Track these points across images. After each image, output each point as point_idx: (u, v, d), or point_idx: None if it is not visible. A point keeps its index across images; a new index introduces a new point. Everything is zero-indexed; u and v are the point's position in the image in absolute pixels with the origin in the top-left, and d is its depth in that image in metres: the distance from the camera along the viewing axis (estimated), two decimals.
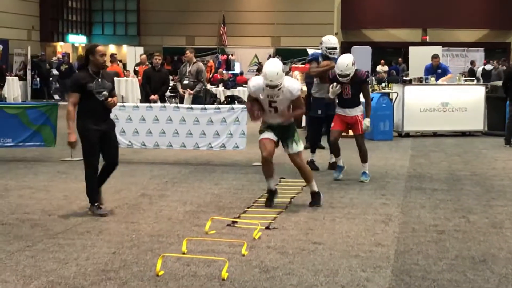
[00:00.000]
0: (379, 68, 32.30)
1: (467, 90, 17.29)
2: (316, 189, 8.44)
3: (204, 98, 15.22)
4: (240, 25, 39.42)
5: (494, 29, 38.05)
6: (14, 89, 26.97)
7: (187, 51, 14.62)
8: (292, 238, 6.80)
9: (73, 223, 7.39)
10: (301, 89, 8.37)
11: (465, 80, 18.18)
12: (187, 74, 14.44)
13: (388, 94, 17.48)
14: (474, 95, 17.19)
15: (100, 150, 7.81)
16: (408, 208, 8.30)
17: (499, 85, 16.60)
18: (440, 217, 7.85)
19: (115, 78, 8.71)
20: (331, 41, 11.00)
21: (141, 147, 12.19)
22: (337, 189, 9.50)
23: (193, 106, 12.34)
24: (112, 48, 38.10)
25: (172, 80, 20.78)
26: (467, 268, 5.87)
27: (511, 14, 37.13)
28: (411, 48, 26.83)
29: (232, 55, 37.78)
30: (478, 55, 34.09)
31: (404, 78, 19.37)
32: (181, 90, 14.64)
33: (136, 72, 23.10)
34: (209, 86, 22.89)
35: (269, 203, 8.33)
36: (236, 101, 22.69)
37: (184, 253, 6.16)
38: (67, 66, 30.06)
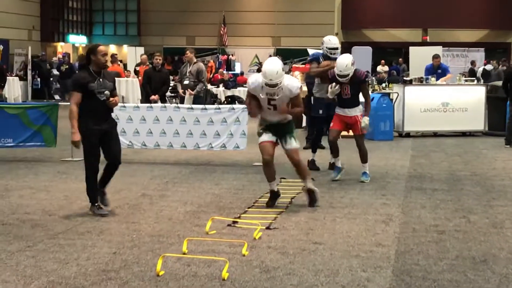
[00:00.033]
0: (379, 68, 32.31)
1: (467, 90, 17.29)
2: (312, 186, 8.44)
3: (204, 98, 15.22)
4: (240, 25, 39.43)
5: (495, 29, 38.04)
6: (14, 89, 26.98)
7: (187, 51, 14.63)
8: (292, 238, 6.80)
9: (74, 223, 7.39)
10: (301, 87, 8.35)
11: (466, 80, 18.18)
12: (188, 74, 14.46)
13: (388, 94, 17.48)
14: (475, 95, 17.19)
15: (102, 149, 7.81)
16: (408, 208, 8.31)
17: (499, 85, 16.60)
18: (441, 217, 7.85)
19: (116, 78, 8.70)
20: (332, 41, 11.00)
21: (142, 147, 12.19)
22: (337, 189, 9.50)
23: (194, 106, 12.34)
24: (112, 48, 38.10)
25: (173, 80, 20.79)
26: (468, 268, 5.87)
27: (511, 14, 37.12)
28: (411, 48, 26.84)
29: (232, 55, 37.78)
30: (479, 55, 34.09)
31: (405, 78, 19.37)
32: (180, 91, 14.65)
33: (136, 72, 23.11)
34: (209, 86, 22.90)
35: (270, 203, 8.33)
36: (236, 101, 22.70)
37: (184, 253, 6.16)
38: (67, 66, 30.10)
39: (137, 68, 22.84)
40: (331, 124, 10.31)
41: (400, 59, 35.37)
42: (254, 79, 8.22)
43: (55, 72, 30.66)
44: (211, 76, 28.17)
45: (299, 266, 5.87)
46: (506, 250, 6.48)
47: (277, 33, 39.63)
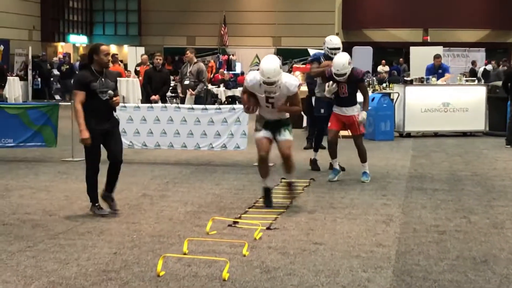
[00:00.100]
0: (380, 68, 32.32)
1: (468, 90, 17.29)
2: (292, 180, 8.49)
3: (205, 98, 15.22)
4: (241, 25, 39.44)
5: (495, 29, 38.05)
6: (15, 89, 26.98)
7: (188, 51, 14.64)
8: (293, 239, 6.80)
9: (74, 224, 7.39)
10: (299, 85, 8.33)
11: (466, 80, 18.18)
12: (188, 74, 14.46)
13: (389, 94, 17.49)
14: (475, 95, 17.19)
15: (105, 148, 7.80)
16: (409, 209, 8.30)
17: (500, 85, 16.60)
18: (441, 217, 7.85)
19: (117, 78, 8.70)
20: (333, 41, 10.99)
21: (142, 148, 12.19)
22: (338, 190, 9.50)
23: (194, 106, 12.34)
24: (113, 48, 38.09)
25: (173, 80, 20.78)
26: (468, 269, 5.87)
27: None
28: (412, 48, 26.85)
29: (233, 55, 37.79)
30: (479, 55, 34.08)
31: (405, 78, 19.37)
32: (180, 93, 14.66)
33: (137, 72, 23.11)
34: (210, 87, 22.90)
35: (268, 202, 8.32)
36: (237, 101, 22.68)
37: (185, 254, 6.16)
38: (68, 66, 30.09)
39: (138, 68, 22.83)
40: (329, 124, 10.31)
41: (401, 59, 35.39)
42: (252, 76, 8.18)
43: (55, 72, 30.66)
44: (211, 76, 28.16)
45: (300, 267, 5.87)
46: (506, 250, 6.48)
47: (278, 33, 39.64)
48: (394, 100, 16.96)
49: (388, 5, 38.32)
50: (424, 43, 35.53)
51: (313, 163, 11.27)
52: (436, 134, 17.08)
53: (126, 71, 27.04)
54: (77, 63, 33.08)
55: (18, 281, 5.44)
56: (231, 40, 39.31)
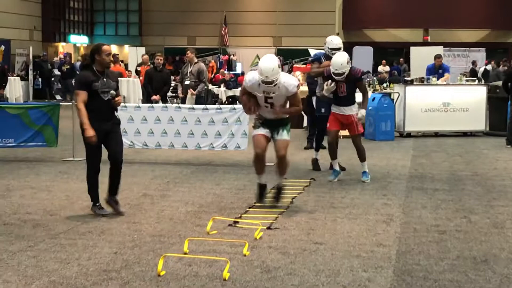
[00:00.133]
0: (380, 68, 32.31)
1: (468, 90, 17.29)
2: (282, 184, 8.44)
3: (205, 98, 15.23)
4: (241, 25, 39.44)
5: (496, 29, 38.04)
6: (16, 89, 26.98)
7: (188, 52, 14.65)
8: (293, 238, 6.81)
9: (75, 223, 7.40)
10: (298, 85, 8.32)
11: (467, 80, 18.19)
12: (189, 74, 14.48)
13: (389, 94, 17.49)
14: (476, 95, 17.19)
15: (106, 148, 7.80)
16: (409, 208, 8.31)
17: (500, 85, 16.61)
18: (442, 217, 7.85)
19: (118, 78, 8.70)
20: (334, 41, 10.99)
21: (143, 147, 12.20)
22: (338, 189, 9.51)
23: (195, 106, 12.35)
24: (114, 49, 38.08)
25: (174, 80, 20.78)
26: (469, 268, 5.88)
27: None
28: (412, 48, 26.86)
29: (233, 55, 37.78)
30: (480, 55, 34.07)
31: (406, 78, 19.37)
32: (180, 93, 14.67)
33: (138, 72, 23.12)
34: (210, 87, 22.90)
35: (260, 199, 8.32)
36: (237, 102, 22.67)
37: (185, 253, 6.17)
38: (68, 67, 30.10)
39: (139, 68, 22.84)
40: (328, 125, 10.32)
41: (401, 59, 35.38)
42: (251, 76, 8.17)
43: (56, 72, 30.66)
44: (212, 76, 28.17)
45: (300, 266, 5.87)
46: (507, 250, 6.49)
47: (278, 33, 39.64)
48: (395, 100, 16.96)
49: (389, 5, 38.31)
50: (425, 43, 35.52)
51: (314, 163, 11.28)
52: (436, 134, 17.08)
53: (127, 71, 27.05)
54: (78, 63, 33.10)
55: (19, 281, 5.44)
56: (232, 40, 39.31)
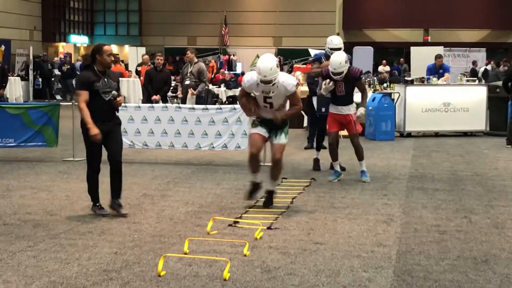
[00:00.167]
0: (381, 68, 32.30)
1: (469, 91, 17.29)
2: (274, 189, 8.41)
3: (206, 98, 15.23)
4: (242, 25, 39.45)
5: (496, 29, 38.04)
6: (16, 89, 26.98)
7: (188, 52, 14.65)
8: (293, 238, 6.80)
9: (75, 223, 7.40)
10: (297, 85, 8.31)
11: (467, 81, 18.19)
12: (189, 74, 14.48)
13: (390, 94, 17.48)
14: (476, 95, 17.20)
15: (105, 148, 7.78)
16: (410, 208, 8.30)
17: (500, 85, 16.61)
18: (442, 217, 7.85)
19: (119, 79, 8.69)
20: (334, 41, 10.98)
21: (143, 147, 12.20)
22: (338, 189, 9.50)
23: (195, 106, 12.35)
24: (114, 49, 38.11)
25: (174, 80, 20.78)
26: (469, 269, 5.88)
27: None
28: (413, 48, 26.85)
29: (234, 55, 37.79)
30: (480, 55, 34.10)
31: (406, 78, 19.37)
32: (179, 94, 14.66)
33: (138, 72, 23.12)
34: (211, 86, 22.90)
35: (250, 196, 8.31)
36: (238, 101, 22.67)
37: (186, 253, 6.17)
38: (69, 67, 30.12)
39: (139, 68, 22.85)
40: (327, 127, 10.32)
41: (402, 59, 35.38)
42: (250, 77, 8.17)
43: (56, 72, 30.67)
44: (212, 76, 28.18)
45: (300, 266, 5.87)
46: (507, 250, 6.48)
47: (279, 33, 39.64)
48: (395, 100, 16.96)
49: (389, 5, 38.31)
50: (425, 43, 35.53)
51: (315, 163, 11.27)
52: (436, 134, 17.08)
53: (127, 71, 27.07)
54: (78, 63, 33.13)
55: (19, 281, 5.44)
56: (232, 40, 39.32)
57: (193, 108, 12.07)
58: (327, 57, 11.01)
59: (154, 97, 14.56)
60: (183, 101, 14.59)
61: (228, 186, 9.71)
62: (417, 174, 11.01)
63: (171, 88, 18.45)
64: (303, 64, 26.83)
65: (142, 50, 29.76)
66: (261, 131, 8.23)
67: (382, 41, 38.37)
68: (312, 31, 36.45)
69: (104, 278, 5.52)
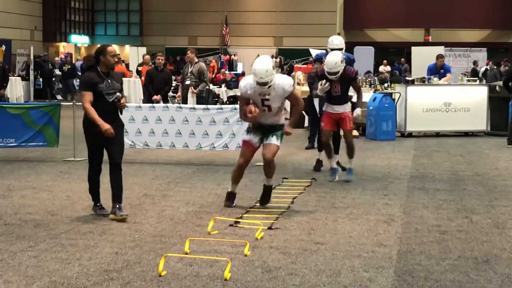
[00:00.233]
0: (381, 68, 32.32)
1: (469, 90, 17.29)
2: (271, 184, 8.37)
3: (206, 98, 15.23)
4: (242, 25, 39.46)
5: (497, 29, 38.05)
6: (16, 89, 26.99)
7: (188, 52, 14.66)
8: (294, 238, 6.80)
9: (76, 223, 7.40)
10: (294, 84, 8.31)
11: (468, 80, 18.19)
12: (189, 74, 14.48)
13: (390, 94, 17.48)
14: (477, 95, 17.20)
15: (106, 150, 7.76)
16: (410, 208, 8.30)
17: (501, 85, 16.61)
18: (443, 217, 7.85)
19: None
20: (334, 41, 10.97)
21: (144, 147, 12.20)
22: (339, 189, 9.50)
23: (196, 106, 12.35)
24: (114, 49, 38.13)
25: (175, 80, 20.78)
26: (470, 269, 5.87)
27: None
28: (413, 48, 26.85)
29: (234, 55, 37.80)
30: (481, 55, 34.09)
31: (407, 78, 19.37)
32: (178, 96, 14.67)
33: (139, 72, 23.14)
34: (211, 87, 22.91)
35: (227, 203, 8.29)
36: (238, 101, 22.65)
37: (186, 253, 6.17)
38: (69, 66, 30.13)
39: (140, 68, 22.86)
40: (322, 124, 10.33)
41: (402, 59, 35.39)
42: (246, 82, 8.16)
43: (57, 72, 30.67)
44: (213, 76, 28.19)
45: (301, 266, 5.87)
46: (508, 250, 6.48)
47: (279, 33, 39.66)
48: (396, 100, 16.95)
49: (390, 5, 38.32)
50: (426, 43, 35.53)
51: (317, 164, 11.26)
52: (437, 134, 17.08)
53: (128, 71, 27.08)
54: (78, 63, 33.15)
55: (20, 281, 5.44)
56: (233, 40, 39.33)
57: (194, 108, 12.07)
58: None
59: (155, 97, 14.56)
60: (184, 101, 14.59)
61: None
62: (418, 174, 11.01)
63: (172, 88, 18.44)
64: (303, 64, 26.83)
65: (143, 50, 29.77)
66: (253, 140, 8.20)
67: (383, 41, 38.37)
68: (313, 31, 36.46)
69: (105, 278, 5.52)
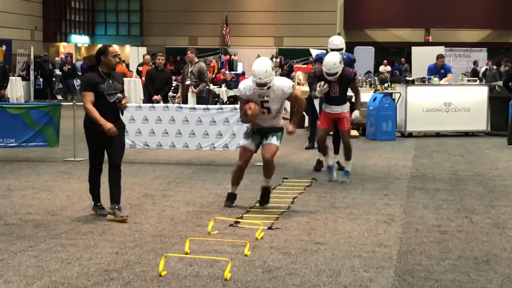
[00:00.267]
0: (381, 68, 32.32)
1: (470, 90, 17.29)
2: (270, 185, 8.37)
3: (207, 98, 15.24)
4: (243, 25, 39.46)
5: (497, 29, 38.04)
6: (17, 89, 26.99)
7: (188, 52, 14.66)
8: (294, 238, 6.80)
9: (76, 223, 7.40)
10: (293, 85, 8.31)
11: (468, 80, 18.19)
12: (189, 74, 14.48)
13: (391, 94, 17.48)
14: (477, 95, 17.19)
15: (106, 150, 7.74)
16: (410, 209, 8.30)
17: (501, 85, 16.61)
18: (443, 217, 7.85)
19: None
20: (334, 42, 10.97)
21: (144, 147, 12.20)
22: (339, 189, 9.50)
23: (196, 106, 12.35)
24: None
25: (175, 80, 20.78)
26: (470, 269, 5.87)
27: None
28: (414, 48, 26.85)
29: (234, 55, 37.80)
30: (481, 55, 34.09)
31: (407, 78, 19.37)
32: (177, 97, 14.68)
33: (139, 73, 23.14)
34: (211, 87, 22.91)
35: (227, 204, 8.31)
36: (238, 101, 22.65)
37: (186, 253, 6.17)
38: (69, 67, 30.14)
39: (140, 68, 22.87)
40: (318, 123, 10.34)
41: (403, 59, 35.39)
42: (245, 84, 8.17)
43: (57, 72, 30.68)
44: (213, 76, 28.19)
45: (301, 266, 5.87)
46: (508, 250, 6.48)
47: (280, 33, 39.66)
48: (396, 100, 16.95)
49: (390, 5, 38.32)
50: (426, 43, 35.53)
51: (317, 164, 11.26)
52: (438, 134, 17.08)
53: (128, 71, 27.08)
54: (78, 63, 33.15)
55: (20, 281, 5.44)
56: (233, 40, 39.33)
57: (194, 108, 12.07)
58: None
59: (155, 97, 14.57)
60: (184, 101, 14.59)
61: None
62: (418, 174, 11.01)
63: (172, 88, 18.45)
64: (303, 64, 26.83)
65: (143, 50, 29.78)
66: (251, 145, 8.21)
67: (383, 41, 38.37)
68: (313, 31, 36.46)
69: (105, 278, 5.52)
